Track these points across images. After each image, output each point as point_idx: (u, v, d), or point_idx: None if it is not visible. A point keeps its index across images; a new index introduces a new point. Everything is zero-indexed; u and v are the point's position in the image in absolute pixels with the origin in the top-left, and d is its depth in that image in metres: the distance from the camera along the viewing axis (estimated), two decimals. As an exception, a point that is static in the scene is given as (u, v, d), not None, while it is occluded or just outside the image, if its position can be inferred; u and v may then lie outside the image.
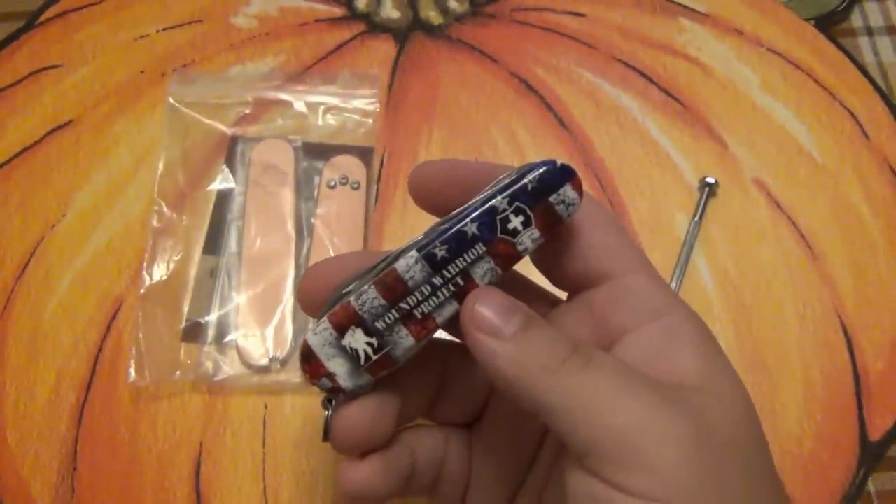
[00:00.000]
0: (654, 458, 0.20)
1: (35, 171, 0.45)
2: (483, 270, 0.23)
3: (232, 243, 0.42)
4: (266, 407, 0.39)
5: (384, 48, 0.49)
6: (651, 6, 0.51)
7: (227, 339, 0.40)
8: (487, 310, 0.22)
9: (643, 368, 0.22)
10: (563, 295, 0.27)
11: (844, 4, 0.51)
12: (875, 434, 0.39)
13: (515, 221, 0.23)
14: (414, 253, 0.23)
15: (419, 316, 0.23)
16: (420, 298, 0.23)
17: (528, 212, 0.23)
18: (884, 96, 0.48)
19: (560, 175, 0.24)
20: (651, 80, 0.48)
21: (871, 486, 0.37)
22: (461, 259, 0.23)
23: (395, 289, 0.23)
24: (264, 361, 0.39)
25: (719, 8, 0.51)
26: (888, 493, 0.37)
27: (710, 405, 0.22)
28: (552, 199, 0.24)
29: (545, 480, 0.27)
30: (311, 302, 0.25)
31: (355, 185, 0.43)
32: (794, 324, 0.41)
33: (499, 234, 0.23)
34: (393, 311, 0.23)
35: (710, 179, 0.44)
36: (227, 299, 0.40)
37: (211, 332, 0.40)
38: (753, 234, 0.43)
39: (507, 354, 0.22)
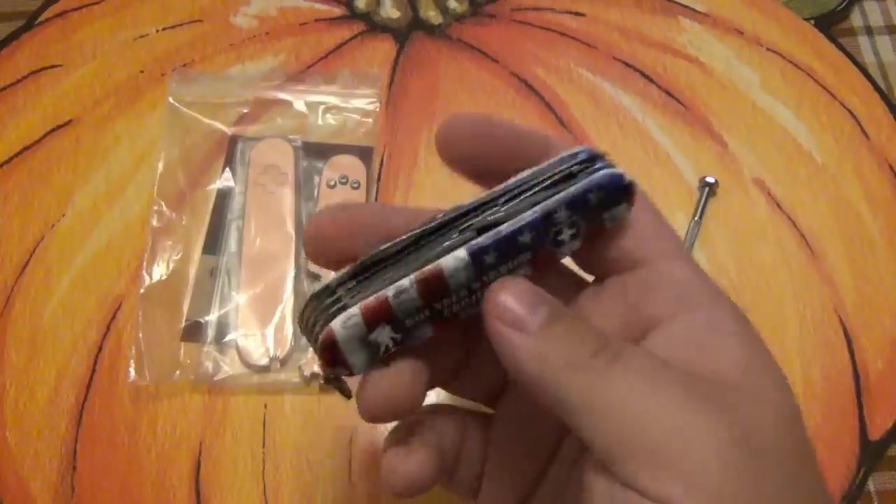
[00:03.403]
0: (687, 465, 0.18)
1: (35, 171, 0.45)
2: (519, 275, 0.22)
3: (232, 243, 0.42)
4: (266, 407, 0.39)
5: (384, 48, 0.49)
6: (651, 6, 0.51)
7: (227, 338, 0.40)
8: (512, 300, 0.21)
9: (678, 362, 0.21)
10: (586, 274, 0.26)
11: (844, 4, 0.51)
12: (875, 434, 0.39)
13: (566, 234, 0.22)
14: (464, 255, 0.21)
15: (447, 315, 0.22)
16: (454, 300, 0.22)
17: (581, 225, 0.22)
18: (884, 96, 0.48)
19: (625, 193, 0.22)
20: (651, 80, 0.48)
21: (871, 485, 0.37)
22: (505, 266, 0.22)
23: (436, 290, 0.22)
24: (264, 361, 0.39)
25: (719, 8, 0.51)
26: (888, 493, 0.37)
27: (752, 406, 0.20)
28: (606, 215, 0.22)
29: (567, 476, 0.25)
30: (324, 248, 0.23)
31: (355, 185, 0.43)
32: (794, 324, 0.41)
33: (547, 246, 0.22)
34: (426, 311, 0.22)
35: (710, 179, 0.44)
36: (227, 299, 0.40)
37: (211, 332, 0.40)
38: (753, 234, 0.43)
39: (530, 349, 0.20)
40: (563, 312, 0.21)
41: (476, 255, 0.21)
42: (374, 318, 0.21)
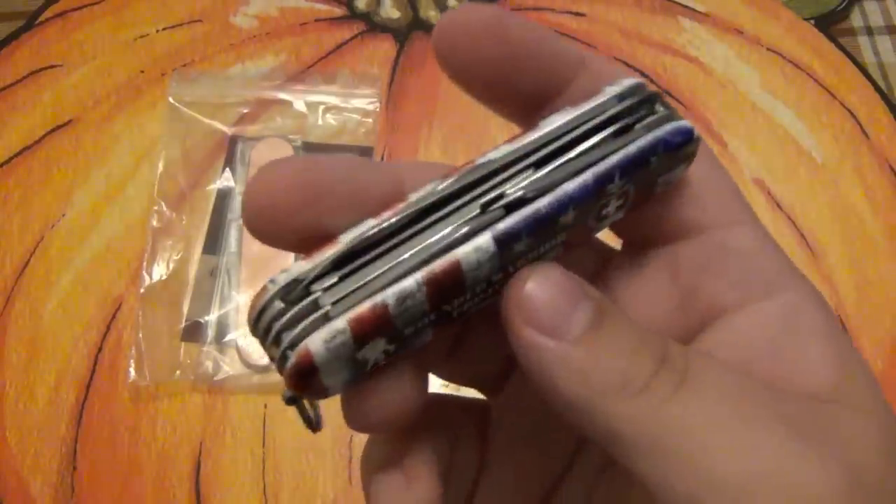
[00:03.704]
0: None
1: (35, 171, 0.45)
2: (548, 259, 0.17)
3: (232, 243, 0.42)
4: (266, 407, 0.39)
5: (384, 48, 0.49)
6: (651, 6, 0.51)
7: (227, 338, 0.40)
8: (544, 295, 0.16)
9: (752, 369, 0.16)
10: (613, 240, 0.20)
11: (844, 4, 0.51)
12: (875, 434, 0.39)
13: (612, 206, 0.17)
14: (489, 243, 0.15)
15: (455, 315, 0.16)
16: (468, 298, 0.16)
17: (632, 193, 0.17)
18: (884, 96, 0.48)
19: (691, 154, 0.17)
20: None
21: (871, 485, 0.37)
22: (536, 251, 0.16)
23: (450, 291, 0.16)
24: (264, 361, 0.39)
25: (719, 8, 0.51)
26: (888, 493, 0.37)
27: (855, 432, 0.16)
28: (661, 179, 0.17)
29: (590, 490, 0.20)
30: (275, 221, 0.16)
31: (355, 185, 0.43)
32: (794, 323, 0.41)
33: (588, 223, 0.17)
34: (432, 315, 0.16)
35: (710, 179, 0.44)
36: (227, 299, 0.40)
37: (211, 332, 0.40)
38: (753, 233, 0.43)
39: (570, 364, 0.15)
40: (610, 311, 0.16)
41: (504, 243, 0.16)
42: (367, 333, 0.15)
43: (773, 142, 0.46)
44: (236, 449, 0.38)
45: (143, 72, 0.48)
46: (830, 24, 0.51)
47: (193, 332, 0.40)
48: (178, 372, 0.39)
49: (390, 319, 0.15)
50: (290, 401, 0.17)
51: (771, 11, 0.51)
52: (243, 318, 0.40)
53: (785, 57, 0.49)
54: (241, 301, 0.40)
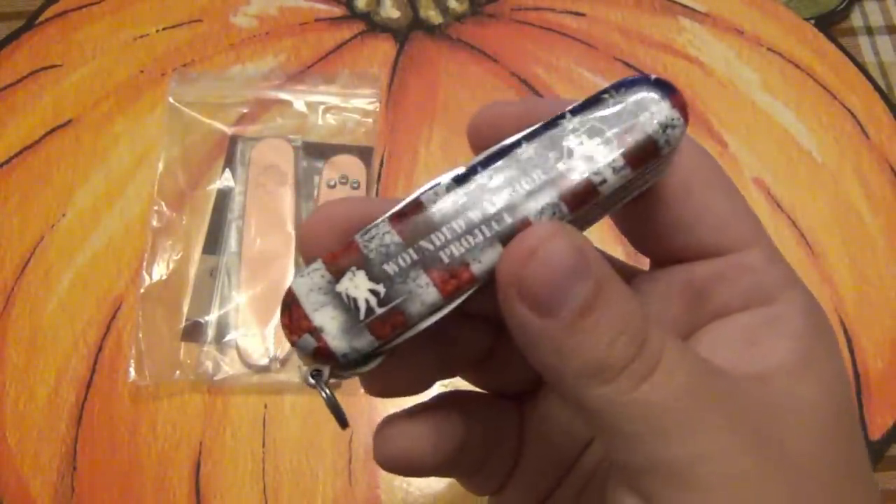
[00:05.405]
0: (716, 499, 0.16)
1: (35, 171, 0.45)
2: (541, 206, 0.17)
3: (232, 243, 0.42)
4: (266, 407, 0.39)
5: (384, 48, 0.49)
6: (651, 6, 0.51)
7: (227, 338, 0.40)
8: (544, 272, 0.16)
9: (727, 361, 0.18)
10: (640, 262, 0.22)
11: (844, 4, 0.51)
12: (875, 433, 0.39)
13: (590, 144, 0.17)
14: (445, 178, 0.18)
15: (446, 260, 0.17)
16: (449, 237, 0.17)
17: (606, 131, 0.18)
18: (884, 96, 0.48)
19: (655, 89, 0.18)
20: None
21: (871, 485, 0.37)
22: (510, 188, 0.17)
23: (412, 216, 0.17)
24: (264, 361, 0.39)
25: (719, 8, 0.51)
26: (888, 493, 0.37)
27: (796, 422, 0.17)
28: (642, 118, 0.18)
29: (586, 480, 0.22)
30: (315, 246, 0.19)
31: (355, 185, 0.43)
32: (794, 323, 0.41)
33: (563, 160, 0.18)
34: (410, 251, 0.17)
35: (710, 179, 0.44)
36: (227, 299, 0.40)
37: (211, 332, 0.40)
38: (753, 233, 0.43)
39: (555, 344, 0.16)
40: (606, 292, 0.16)
41: (460, 176, 0.17)
42: (336, 260, 0.17)
43: (773, 142, 0.46)
44: (236, 449, 0.38)
45: (143, 72, 0.48)
46: (830, 24, 0.51)
47: (193, 331, 0.40)
48: (178, 372, 0.39)
49: (358, 248, 0.17)
50: (307, 377, 0.18)
51: (771, 11, 0.51)
52: (243, 318, 0.40)
53: (785, 57, 0.49)
54: (240, 301, 0.40)
